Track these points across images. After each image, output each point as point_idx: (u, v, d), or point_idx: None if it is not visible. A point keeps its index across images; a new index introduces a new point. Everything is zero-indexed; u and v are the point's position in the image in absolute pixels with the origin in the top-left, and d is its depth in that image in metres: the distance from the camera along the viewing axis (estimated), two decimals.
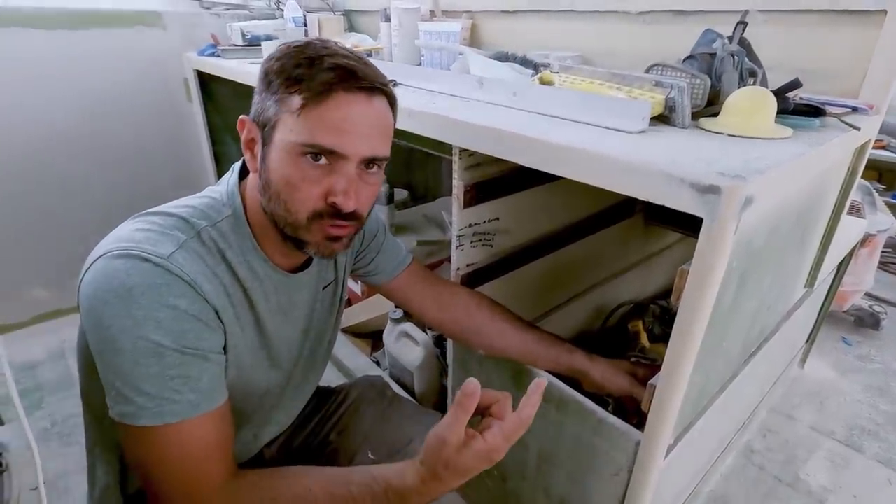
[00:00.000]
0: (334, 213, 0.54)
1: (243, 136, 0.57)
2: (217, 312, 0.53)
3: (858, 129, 0.72)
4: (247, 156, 0.57)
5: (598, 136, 0.64)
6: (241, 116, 0.57)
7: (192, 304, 0.50)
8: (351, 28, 1.81)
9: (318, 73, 0.50)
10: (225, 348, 0.56)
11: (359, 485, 0.52)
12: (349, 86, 0.51)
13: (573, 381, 0.77)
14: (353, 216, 0.55)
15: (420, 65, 1.29)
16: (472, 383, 0.49)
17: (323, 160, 0.52)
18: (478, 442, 0.49)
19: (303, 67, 0.51)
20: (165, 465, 0.49)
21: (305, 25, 1.60)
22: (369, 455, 0.80)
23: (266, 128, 0.54)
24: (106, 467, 0.65)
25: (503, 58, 1.07)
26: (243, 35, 1.55)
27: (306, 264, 0.66)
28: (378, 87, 0.54)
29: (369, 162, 0.55)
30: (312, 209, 0.54)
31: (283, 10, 1.69)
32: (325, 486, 0.53)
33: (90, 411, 0.63)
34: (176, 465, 0.49)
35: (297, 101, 0.51)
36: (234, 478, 0.53)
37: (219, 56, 1.51)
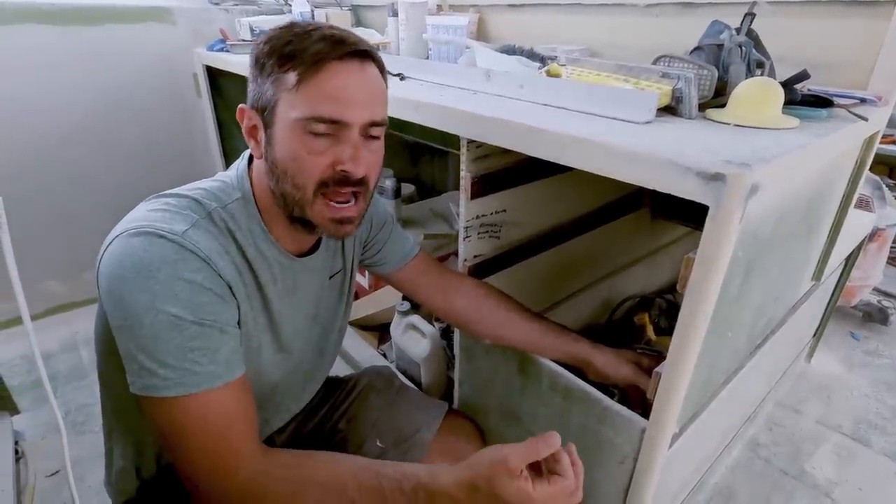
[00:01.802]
0: (342, 180, 0.55)
1: (244, 125, 0.58)
2: (230, 287, 0.55)
3: (867, 119, 0.72)
4: (251, 144, 0.58)
5: (605, 127, 0.64)
6: (240, 106, 0.58)
7: (208, 278, 0.52)
8: (358, 23, 1.82)
9: (308, 45, 0.51)
10: (238, 323, 0.57)
11: (390, 479, 0.51)
12: (340, 53, 0.52)
13: (578, 371, 0.77)
14: (362, 182, 0.56)
15: (427, 59, 1.29)
16: (556, 437, 0.49)
17: (326, 131, 0.53)
18: (528, 483, 0.48)
19: (293, 44, 0.52)
20: (190, 435, 0.50)
21: (313, 20, 1.61)
22: (377, 443, 0.81)
23: (266, 111, 0.55)
24: (122, 451, 0.66)
25: (510, 51, 1.07)
26: (252, 30, 1.56)
27: (313, 249, 0.68)
28: (368, 52, 0.55)
29: (371, 127, 0.56)
30: (319, 178, 0.55)
31: (290, 6, 1.70)
32: (356, 475, 0.52)
33: (108, 395, 0.65)
34: (200, 436, 0.50)
35: (292, 77, 0.52)
36: (263, 454, 0.54)
37: (228, 51, 1.52)
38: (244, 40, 1.56)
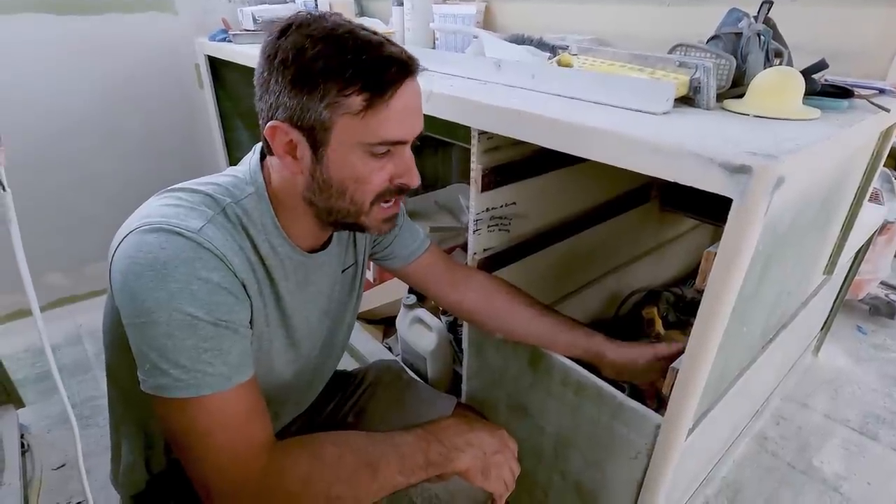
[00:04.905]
0: (398, 191, 0.58)
1: (277, 142, 0.53)
2: (244, 286, 0.54)
3: (888, 110, 0.71)
4: (285, 160, 0.54)
5: (621, 118, 0.63)
6: (273, 123, 0.52)
7: (224, 277, 0.51)
8: (362, 12, 1.79)
9: (374, 70, 0.50)
10: (250, 322, 0.56)
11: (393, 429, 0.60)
12: (408, 76, 0.53)
13: (591, 366, 0.77)
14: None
15: (434, 48, 1.27)
16: None
17: (387, 150, 0.54)
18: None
19: (351, 65, 0.49)
20: (201, 436, 0.49)
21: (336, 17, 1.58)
22: None
23: (315, 131, 0.52)
24: (131, 445, 0.66)
25: (519, 40, 1.05)
26: (255, 19, 1.54)
27: (325, 245, 0.67)
28: (419, 67, 0.55)
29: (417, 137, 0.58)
30: (378, 192, 0.56)
31: None
32: (361, 432, 0.59)
33: (117, 389, 0.64)
34: (210, 437, 0.49)
35: (357, 102, 0.50)
36: (277, 447, 0.53)
37: (230, 41, 1.50)
38: (247, 30, 1.54)
